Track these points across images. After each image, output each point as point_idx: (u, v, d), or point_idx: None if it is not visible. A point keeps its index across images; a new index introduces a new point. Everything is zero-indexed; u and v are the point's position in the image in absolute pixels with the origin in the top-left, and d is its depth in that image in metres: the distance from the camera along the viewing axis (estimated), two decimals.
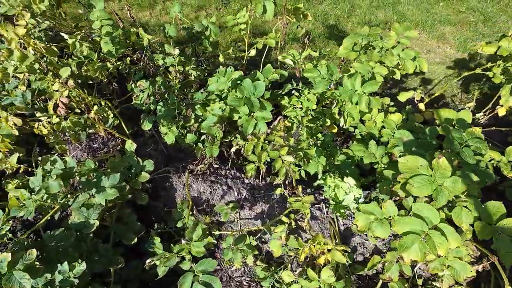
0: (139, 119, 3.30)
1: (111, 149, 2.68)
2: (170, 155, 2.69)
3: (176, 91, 2.52)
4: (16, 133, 1.72)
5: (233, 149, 2.01)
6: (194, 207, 2.21)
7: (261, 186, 2.42)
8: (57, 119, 1.90)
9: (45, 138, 1.96)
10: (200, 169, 2.41)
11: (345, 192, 1.83)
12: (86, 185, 1.97)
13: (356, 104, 1.71)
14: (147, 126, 2.55)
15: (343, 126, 2.01)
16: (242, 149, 1.95)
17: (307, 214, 1.78)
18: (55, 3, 2.88)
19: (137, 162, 2.24)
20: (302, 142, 1.82)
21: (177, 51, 2.49)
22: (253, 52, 3.42)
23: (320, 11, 5.31)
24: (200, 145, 2.26)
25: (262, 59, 3.58)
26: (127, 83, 3.41)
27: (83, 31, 3.51)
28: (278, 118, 2.05)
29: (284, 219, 1.84)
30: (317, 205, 2.20)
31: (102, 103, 2.49)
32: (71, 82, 2.06)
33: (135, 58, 2.86)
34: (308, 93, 2.07)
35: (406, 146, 1.61)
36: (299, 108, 2.06)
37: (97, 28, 2.51)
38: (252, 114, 2.17)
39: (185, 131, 2.62)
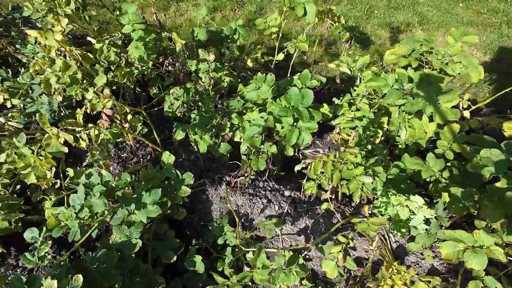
0: (165, 126, 3.19)
1: (141, 159, 2.56)
2: (204, 165, 2.56)
3: (210, 98, 2.40)
4: (66, 150, 1.60)
5: (297, 167, 1.89)
6: (239, 224, 2.08)
7: (303, 199, 2.30)
8: (96, 131, 1.78)
9: (89, 153, 1.84)
10: (240, 182, 2.28)
11: (411, 212, 1.70)
12: (125, 201, 1.85)
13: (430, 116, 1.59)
14: (179, 135, 2.42)
15: (403, 138, 1.89)
16: (309, 167, 1.83)
17: (375, 237, 1.66)
18: (81, 6, 2.76)
19: (176, 175, 2.12)
20: (370, 159, 1.70)
21: (212, 57, 2.37)
22: (281, 56, 3.30)
23: (339, 12, 5.20)
24: (244, 157, 2.14)
25: (291, 64, 3.46)
26: (148, 88, 3.30)
27: (105, 34, 3.39)
28: (353, 135, 1.93)
29: (341, 238, 1.72)
30: (364, 221, 2.08)
31: (127, 109, 2.36)
32: (107, 91, 1.94)
33: (167, 64, 2.74)
34: (360, 102, 1.95)
35: (498, 167, 1.48)
36: (356, 118, 1.93)
37: (127, 32, 2.39)
38: (295, 123, 2.05)
39: (219, 140, 2.51)
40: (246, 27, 4.96)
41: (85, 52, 1.90)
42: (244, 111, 2.32)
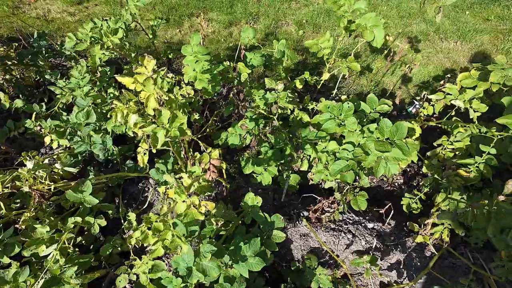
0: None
1: (205, 196, 2.38)
2: (275, 199, 2.42)
3: (281, 130, 2.28)
4: (203, 217, 1.41)
5: None
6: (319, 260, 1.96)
7: (388, 231, 2.21)
8: (189, 180, 1.61)
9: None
10: (326, 219, 2.17)
11: None
12: (218, 254, 1.68)
13: None
14: (249, 169, 2.28)
15: None
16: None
17: None
18: (125, 34, 2.57)
19: (265, 218, 1.97)
20: None
21: (281, 86, 2.25)
22: (326, 76, 3.22)
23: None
24: (338, 194, 2.02)
25: (337, 85, 3.39)
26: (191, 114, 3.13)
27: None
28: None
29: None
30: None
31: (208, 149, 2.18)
32: (189, 132, 1.77)
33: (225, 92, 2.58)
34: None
35: None
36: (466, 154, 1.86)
37: (187, 64, 2.23)
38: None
39: (288, 171, 2.38)
40: (266, 41, 4.89)
41: (172, 95, 1.73)
42: (321, 141, 2.21)
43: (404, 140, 1.79)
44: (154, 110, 1.46)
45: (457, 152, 1.93)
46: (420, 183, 2.33)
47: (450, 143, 1.96)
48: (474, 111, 1.88)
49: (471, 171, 1.77)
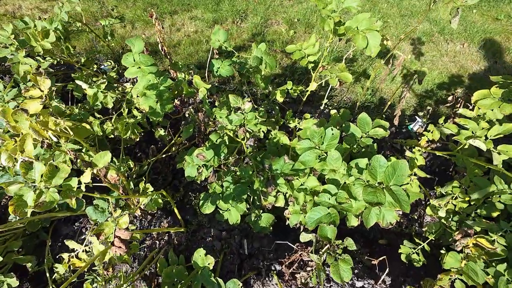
0: (180, 180, 2.56)
1: (157, 240, 1.93)
2: (242, 246, 1.96)
3: (250, 158, 1.81)
4: None
5: None
6: None
7: None
8: (102, 247, 1.16)
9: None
10: (303, 279, 1.71)
11: None
12: None
13: None
14: (208, 209, 1.82)
15: None
16: None
17: None
18: (62, 36, 2.10)
19: (218, 285, 1.51)
20: None
21: (248, 105, 1.79)
22: (313, 87, 2.75)
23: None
24: (314, 256, 1.56)
25: (326, 94, 2.91)
26: (153, 129, 2.68)
27: (95, 65, 2.73)
28: None
29: None
30: None
31: (144, 196, 1.73)
32: (113, 174, 1.30)
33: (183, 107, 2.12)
34: None
35: None
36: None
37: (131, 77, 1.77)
38: None
39: (258, 210, 1.92)
40: (252, 42, 4.42)
41: (79, 124, 1.27)
42: (298, 176, 1.74)
43: (403, 186, 1.33)
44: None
45: (472, 203, 1.46)
46: (424, 226, 1.87)
47: (463, 189, 1.49)
48: (499, 154, 1.40)
49: (496, 241, 1.30)
